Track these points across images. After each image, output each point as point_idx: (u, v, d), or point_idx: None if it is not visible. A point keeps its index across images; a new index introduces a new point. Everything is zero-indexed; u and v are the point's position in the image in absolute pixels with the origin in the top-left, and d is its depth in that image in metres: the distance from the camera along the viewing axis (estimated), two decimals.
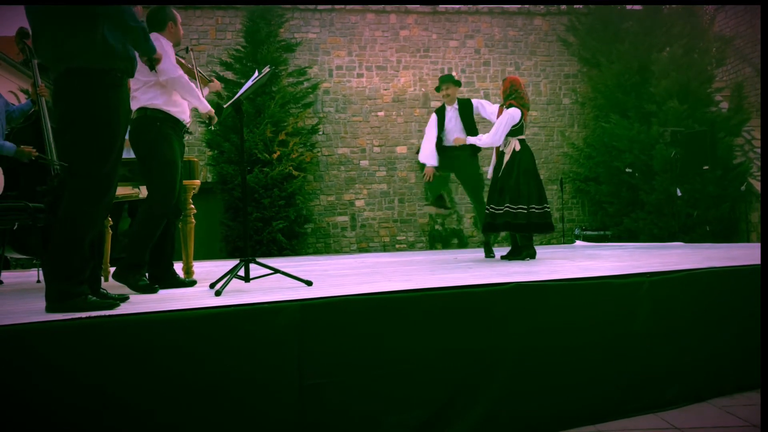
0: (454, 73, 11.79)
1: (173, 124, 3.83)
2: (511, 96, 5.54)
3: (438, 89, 6.16)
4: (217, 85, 4.32)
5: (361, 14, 11.65)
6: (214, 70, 10.59)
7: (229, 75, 10.52)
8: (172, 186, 3.73)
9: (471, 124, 6.04)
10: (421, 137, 11.61)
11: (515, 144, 5.47)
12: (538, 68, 12.11)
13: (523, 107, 5.52)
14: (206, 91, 4.23)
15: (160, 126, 3.74)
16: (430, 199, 6.32)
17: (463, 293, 2.71)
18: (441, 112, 6.14)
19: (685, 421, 2.78)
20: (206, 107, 4.01)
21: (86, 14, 2.65)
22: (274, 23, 10.79)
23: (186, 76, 3.84)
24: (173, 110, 3.81)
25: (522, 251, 5.51)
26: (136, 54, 2.99)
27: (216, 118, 4.16)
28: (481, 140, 5.73)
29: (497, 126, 5.48)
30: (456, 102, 6.08)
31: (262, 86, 9.57)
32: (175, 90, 3.81)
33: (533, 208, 5.32)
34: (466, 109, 6.06)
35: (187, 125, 4.01)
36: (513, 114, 5.43)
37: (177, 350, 2.19)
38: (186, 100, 3.93)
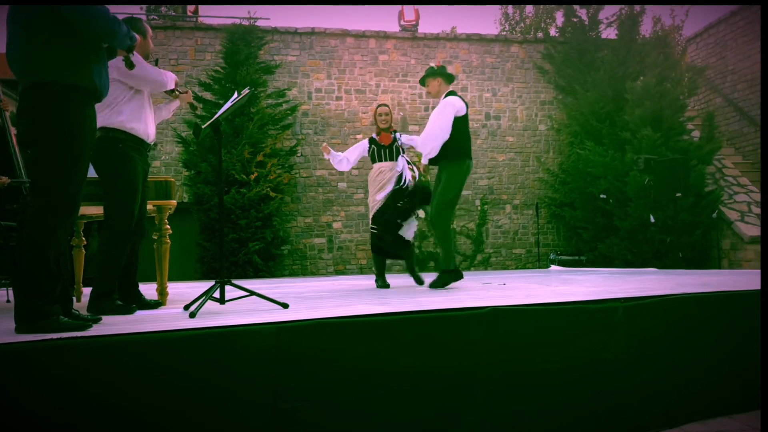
0: (431, 99, 11.89)
1: (137, 144, 3.78)
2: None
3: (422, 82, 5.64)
4: (188, 96, 4.29)
5: (340, 38, 11.74)
6: (192, 91, 10.55)
7: (208, 96, 10.50)
8: (132, 210, 3.69)
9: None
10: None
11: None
12: (514, 94, 12.27)
13: None
14: (176, 103, 4.22)
15: (122, 147, 3.69)
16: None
17: (439, 317, 2.72)
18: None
19: None
20: (171, 86, 3.99)
21: (61, 28, 2.64)
22: (254, 45, 10.82)
23: (151, 68, 3.81)
24: (136, 127, 3.76)
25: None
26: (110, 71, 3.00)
27: (177, 86, 4.14)
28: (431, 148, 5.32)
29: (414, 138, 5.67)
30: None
31: (241, 107, 9.57)
32: (147, 84, 3.78)
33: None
34: None
35: (152, 143, 3.97)
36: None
37: (150, 372, 2.16)
38: (158, 90, 3.92)
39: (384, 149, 5.63)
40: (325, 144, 5.82)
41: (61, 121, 2.65)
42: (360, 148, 5.85)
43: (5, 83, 4.72)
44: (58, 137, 2.65)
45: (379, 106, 5.82)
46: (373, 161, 5.70)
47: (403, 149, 5.65)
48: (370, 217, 5.62)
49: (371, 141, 5.76)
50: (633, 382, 3.04)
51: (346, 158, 5.84)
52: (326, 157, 5.84)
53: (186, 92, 4.26)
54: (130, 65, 3.05)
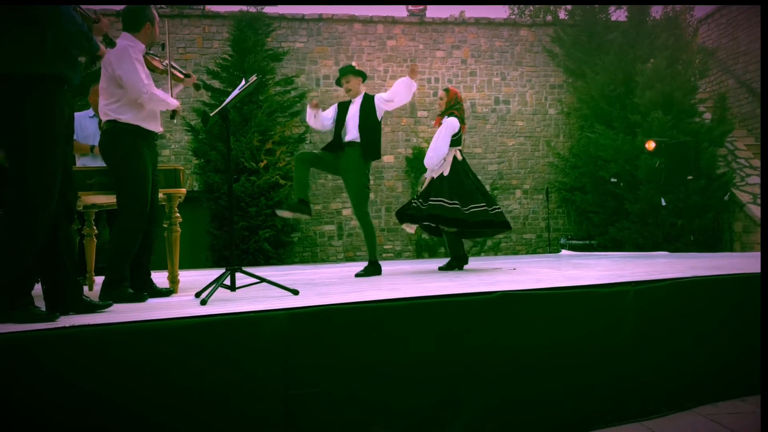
0: (440, 84, 11.85)
1: (144, 134, 3.79)
2: (454, 107, 5.63)
3: (338, 83, 5.41)
4: (192, 78, 4.28)
5: (348, 24, 11.69)
6: (201, 79, 10.56)
7: (216, 83, 10.50)
8: (145, 200, 3.70)
9: (370, 121, 5.15)
10: (408, 146, 11.65)
11: (456, 153, 5.53)
12: (524, 78, 12.19)
13: (461, 120, 5.61)
14: (180, 87, 4.21)
15: (131, 138, 3.70)
16: (293, 197, 5.21)
17: (448, 302, 2.72)
18: (344, 107, 5.34)
19: (670, 430, 2.80)
20: (174, 105, 3.97)
21: (21, 18, 2.61)
22: (261, 32, 10.80)
23: (154, 90, 3.77)
24: (144, 124, 3.78)
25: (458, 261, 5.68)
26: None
27: (180, 112, 4.12)
28: (429, 160, 5.53)
29: (438, 135, 5.51)
30: (362, 96, 5.27)
31: (249, 95, 9.56)
32: (148, 106, 3.77)
33: (495, 208, 5.52)
34: (367, 105, 5.22)
35: (159, 133, 3.99)
36: (453, 123, 5.51)
37: (162, 359, 2.17)
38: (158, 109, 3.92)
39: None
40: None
41: (23, 113, 2.61)
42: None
43: None
44: (22, 129, 2.61)
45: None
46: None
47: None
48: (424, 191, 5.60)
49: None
50: (644, 366, 3.03)
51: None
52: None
53: (190, 76, 4.27)
54: (92, 62, 3.06)
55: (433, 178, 5.55)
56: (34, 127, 2.63)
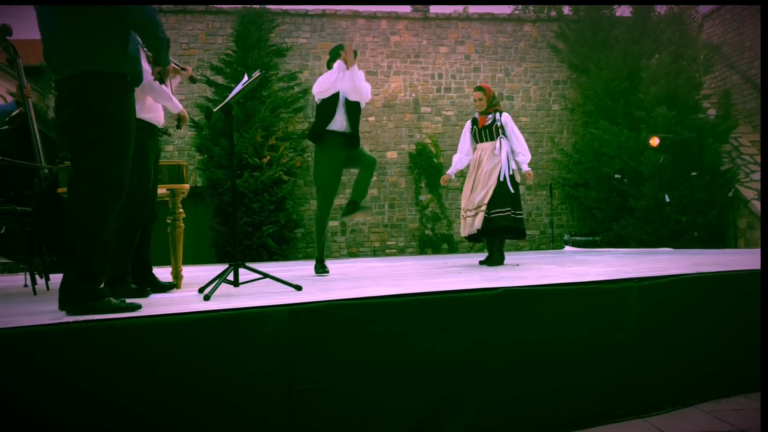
0: (443, 80, 11.82)
1: (148, 130, 3.80)
2: (495, 103, 5.73)
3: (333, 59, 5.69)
4: (188, 71, 4.29)
5: (351, 19, 11.67)
6: (204, 74, 10.57)
7: (219, 79, 10.50)
8: (146, 196, 3.71)
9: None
10: (411, 142, 11.63)
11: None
12: (528, 74, 12.16)
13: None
14: (178, 79, 4.21)
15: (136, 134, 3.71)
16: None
17: (452, 298, 2.72)
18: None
19: (673, 426, 2.79)
20: (177, 107, 3.98)
21: (107, 17, 2.66)
22: (265, 28, 10.79)
23: (153, 81, 3.79)
24: (147, 116, 3.78)
25: (495, 256, 5.64)
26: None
27: (187, 120, 4.13)
28: (524, 163, 5.68)
29: (520, 137, 5.67)
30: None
31: (252, 91, 9.56)
32: (148, 95, 3.78)
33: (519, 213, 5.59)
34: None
35: (162, 126, 3.99)
36: (511, 119, 5.67)
37: (166, 354, 2.18)
38: (158, 103, 3.92)
39: (482, 131, 5.68)
40: (443, 177, 5.87)
41: (108, 109, 2.71)
42: (466, 135, 5.85)
43: (25, 70, 4.74)
44: (110, 124, 2.70)
45: (474, 90, 5.89)
46: (475, 141, 5.80)
47: (503, 130, 5.61)
48: (471, 198, 5.61)
49: (473, 122, 5.79)
50: (647, 362, 3.03)
51: (460, 157, 5.87)
52: (452, 179, 5.92)
53: (185, 69, 4.27)
54: (162, 80, 3.10)
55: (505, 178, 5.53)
56: (115, 122, 2.72)
